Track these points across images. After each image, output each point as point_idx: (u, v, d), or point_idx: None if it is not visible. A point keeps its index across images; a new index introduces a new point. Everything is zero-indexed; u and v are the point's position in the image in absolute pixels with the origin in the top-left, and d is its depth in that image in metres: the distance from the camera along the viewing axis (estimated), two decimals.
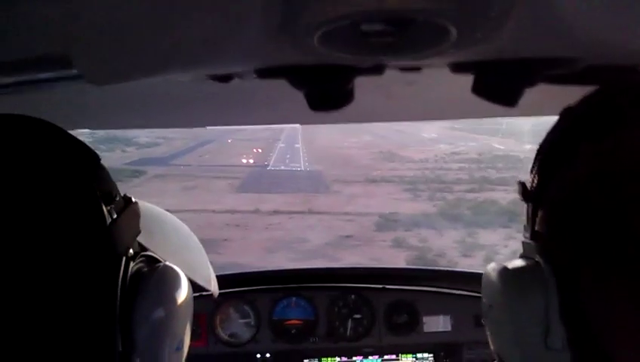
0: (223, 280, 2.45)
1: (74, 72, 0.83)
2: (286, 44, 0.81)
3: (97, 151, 0.81)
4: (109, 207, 0.77)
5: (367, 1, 0.66)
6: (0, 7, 0.64)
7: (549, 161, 0.77)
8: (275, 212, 20.97)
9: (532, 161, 0.81)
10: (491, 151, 33.51)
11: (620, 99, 0.72)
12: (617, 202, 0.65)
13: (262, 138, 49.14)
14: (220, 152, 40.68)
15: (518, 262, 0.77)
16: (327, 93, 1.00)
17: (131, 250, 0.80)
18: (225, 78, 1.02)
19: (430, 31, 0.72)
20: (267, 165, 35.27)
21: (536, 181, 0.78)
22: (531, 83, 0.95)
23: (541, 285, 0.70)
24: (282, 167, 34.58)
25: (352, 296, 2.55)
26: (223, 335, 2.54)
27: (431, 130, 54.29)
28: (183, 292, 0.84)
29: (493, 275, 0.78)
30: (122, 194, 0.83)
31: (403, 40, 0.76)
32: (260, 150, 41.68)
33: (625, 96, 0.71)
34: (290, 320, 2.54)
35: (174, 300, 0.82)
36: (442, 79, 1.06)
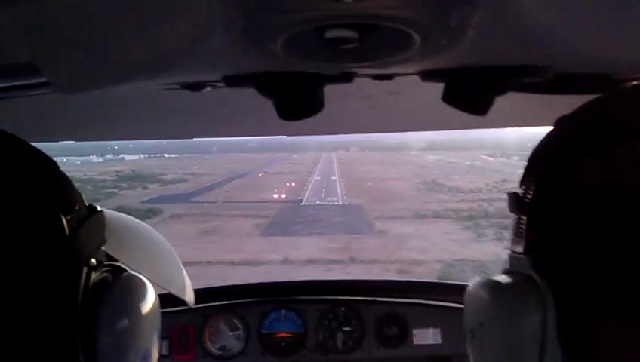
0: (211, 293, 2.56)
1: (41, 80, 0.85)
2: (251, 51, 0.81)
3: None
4: (68, 217, 0.76)
5: (327, 6, 0.65)
6: None
7: (547, 173, 0.75)
8: (309, 262, 17.24)
9: (523, 171, 0.79)
10: None
11: (630, 109, 0.72)
12: (631, 216, 0.65)
13: (296, 171, 46.55)
14: (250, 187, 37.76)
15: (510, 277, 0.74)
16: (296, 102, 0.98)
17: (94, 260, 0.80)
18: (196, 87, 1.03)
19: (394, 38, 0.73)
20: (301, 200, 32.01)
21: (531, 192, 0.76)
22: (501, 91, 0.95)
23: (538, 301, 0.69)
24: (318, 202, 31.35)
25: (342, 309, 2.53)
26: (212, 348, 2.50)
27: (472, 158, 51.15)
28: (149, 302, 0.84)
29: (485, 291, 0.76)
30: (87, 203, 0.85)
31: (367, 47, 0.76)
32: (293, 184, 38.74)
33: (634, 107, 0.72)
34: (279, 333, 2.50)
35: (138, 309, 0.82)
36: (425, 88, 1.02)
